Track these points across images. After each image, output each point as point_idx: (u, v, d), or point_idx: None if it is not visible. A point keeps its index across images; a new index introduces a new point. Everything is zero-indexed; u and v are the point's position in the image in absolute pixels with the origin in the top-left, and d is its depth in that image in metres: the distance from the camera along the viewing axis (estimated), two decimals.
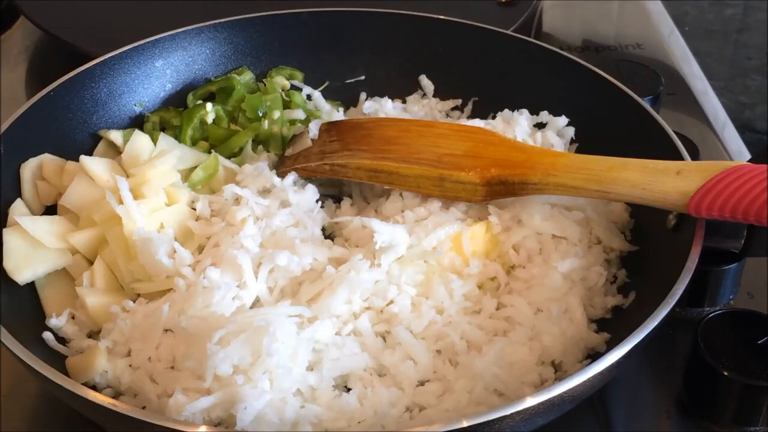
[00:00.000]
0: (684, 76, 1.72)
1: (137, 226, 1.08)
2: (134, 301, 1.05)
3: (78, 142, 1.25)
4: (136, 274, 1.07)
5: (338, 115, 1.38)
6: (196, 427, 0.82)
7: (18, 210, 1.13)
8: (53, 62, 1.71)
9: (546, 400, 0.82)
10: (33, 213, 1.15)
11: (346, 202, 1.23)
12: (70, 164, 1.19)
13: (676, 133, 1.14)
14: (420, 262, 1.07)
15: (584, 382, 0.84)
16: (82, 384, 0.88)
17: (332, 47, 1.44)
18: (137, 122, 1.33)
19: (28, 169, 1.17)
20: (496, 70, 1.38)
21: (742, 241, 1.01)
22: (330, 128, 1.26)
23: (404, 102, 1.42)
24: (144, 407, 0.94)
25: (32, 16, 1.64)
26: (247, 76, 1.40)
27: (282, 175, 1.19)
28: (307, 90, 1.42)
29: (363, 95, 1.44)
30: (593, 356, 1.01)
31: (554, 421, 0.91)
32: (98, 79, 1.29)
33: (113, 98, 1.31)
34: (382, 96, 1.41)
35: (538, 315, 1.03)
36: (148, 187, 1.13)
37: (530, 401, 0.81)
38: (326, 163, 1.19)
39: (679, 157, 1.09)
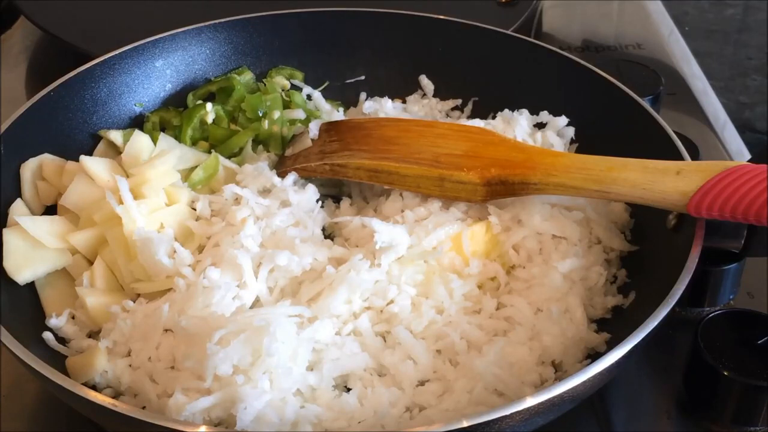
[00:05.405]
0: (684, 76, 1.72)
1: (137, 226, 1.08)
2: (134, 301, 1.05)
3: (78, 142, 1.25)
4: (136, 274, 1.07)
5: (338, 115, 1.38)
6: (196, 427, 0.82)
7: (18, 210, 1.13)
8: (53, 62, 1.71)
9: (546, 400, 0.82)
10: (33, 213, 1.15)
11: (345, 202, 1.23)
12: (70, 164, 1.19)
13: (676, 133, 1.14)
14: (420, 262, 1.07)
15: (584, 382, 0.84)
16: (82, 384, 0.88)
17: (332, 47, 1.44)
18: (137, 122, 1.33)
19: (28, 169, 1.17)
20: (496, 70, 1.38)
21: (742, 241, 1.01)
22: (330, 128, 1.26)
23: (404, 102, 1.42)
24: (144, 407, 0.94)
25: (32, 16, 1.64)
26: (247, 76, 1.40)
27: (282, 175, 1.19)
28: (307, 90, 1.42)
29: (363, 95, 1.44)
30: (593, 356, 1.01)
31: (554, 421, 0.91)
32: (98, 79, 1.29)
33: (113, 98, 1.31)
34: (382, 96, 1.41)
35: (538, 315, 1.03)
36: (148, 187, 1.13)
37: (530, 401, 0.81)
38: (326, 163, 1.19)
39: (679, 157, 1.09)
